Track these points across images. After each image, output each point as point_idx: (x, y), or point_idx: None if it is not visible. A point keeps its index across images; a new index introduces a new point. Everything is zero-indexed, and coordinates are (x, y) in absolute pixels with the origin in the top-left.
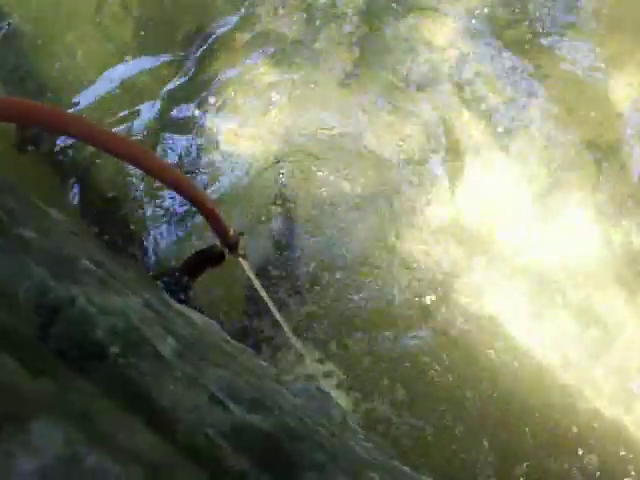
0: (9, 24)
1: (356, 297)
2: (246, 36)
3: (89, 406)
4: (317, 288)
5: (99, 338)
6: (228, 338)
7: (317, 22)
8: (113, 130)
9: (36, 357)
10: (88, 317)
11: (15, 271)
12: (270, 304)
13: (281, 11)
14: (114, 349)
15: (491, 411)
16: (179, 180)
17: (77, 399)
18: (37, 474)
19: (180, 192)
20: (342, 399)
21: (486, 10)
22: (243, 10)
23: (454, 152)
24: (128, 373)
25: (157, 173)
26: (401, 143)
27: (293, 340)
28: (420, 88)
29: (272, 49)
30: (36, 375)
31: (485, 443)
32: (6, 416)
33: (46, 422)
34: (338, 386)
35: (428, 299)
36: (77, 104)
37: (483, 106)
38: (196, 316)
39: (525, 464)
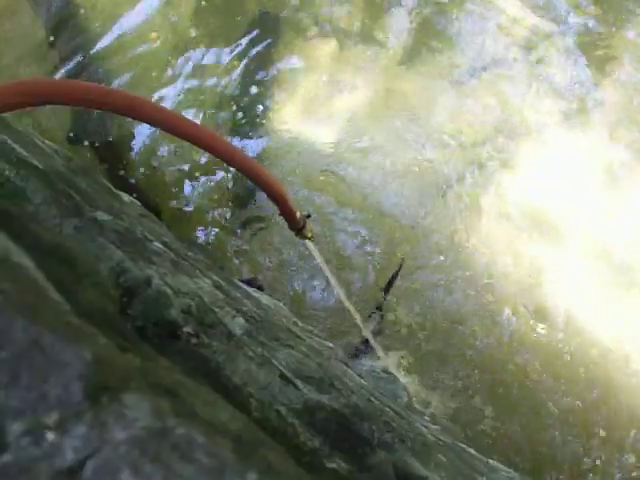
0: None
1: (429, 293)
2: (308, 20)
3: (171, 380)
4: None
5: (174, 318)
6: (296, 319)
7: (378, 7)
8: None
9: (121, 334)
10: (163, 297)
11: (96, 252)
12: (337, 287)
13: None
14: (188, 329)
15: (558, 398)
16: (247, 162)
17: (160, 373)
18: (128, 444)
19: (247, 174)
20: (408, 381)
21: None
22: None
23: (521, 133)
24: (202, 352)
25: (225, 156)
26: (467, 125)
27: (359, 321)
28: (486, 68)
29: (333, 32)
30: (123, 350)
31: (557, 435)
32: (101, 387)
33: (136, 394)
34: (404, 369)
35: (500, 290)
36: (144, 91)
37: (551, 86)
38: (264, 298)
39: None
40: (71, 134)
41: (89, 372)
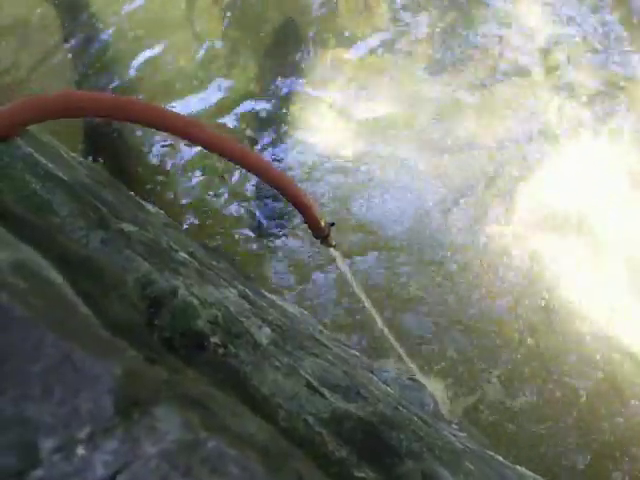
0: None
1: (450, 295)
2: (332, 29)
3: (200, 392)
4: (410, 281)
5: (201, 328)
6: (321, 328)
7: (402, 14)
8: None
9: (149, 346)
10: (190, 308)
11: (122, 264)
12: (361, 294)
13: (366, 5)
14: (215, 339)
15: (582, 404)
16: (271, 172)
17: (189, 386)
18: (159, 458)
19: (272, 183)
20: (434, 388)
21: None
22: (333, 4)
23: (545, 139)
24: (229, 362)
25: (250, 165)
26: (491, 130)
27: (385, 330)
28: (509, 74)
29: (357, 42)
30: (151, 363)
31: (577, 439)
32: (131, 401)
33: (166, 407)
34: (430, 375)
35: (524, 290)
36: (172, 105)
37: (573, 93)
38: (289, 307)
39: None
40: (82, 147)
41: (119, 386)
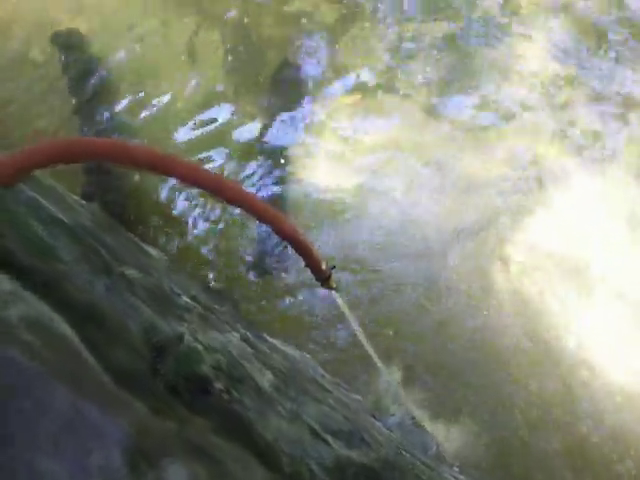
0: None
1: (451, 327)
2: (332, 70)
3: (206, 442)
4: (408, 317)
5: (205, 373)
6: (323, 372)
7: (402, 54)
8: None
9: (155, 395)
10: (194, 353)
11: (126, 311)
12: (362, 336)
13: (364, 46)
14: (219, 384)
15: (579, 437)
16: (269, 213)
17: (194, 435)
18: None
19: (271, 225)
20: (435, 429)
21: (574, 36)
22: (332, 46)
23: (544, 180)
24: (233, 407)
25: (249, 207)
26: (492, 171)
27: (385, 373)
28: (507, 116)
29: (357, 83)
30: (157, 413)
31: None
32: (140, 455)
33: (174, 460)
34: (430, 416)
35: (521, 328)
36: (171, 141)
37: (574, 133)
38: (291, 350)
39: None
40: (84, 190)
41: (128, 440)
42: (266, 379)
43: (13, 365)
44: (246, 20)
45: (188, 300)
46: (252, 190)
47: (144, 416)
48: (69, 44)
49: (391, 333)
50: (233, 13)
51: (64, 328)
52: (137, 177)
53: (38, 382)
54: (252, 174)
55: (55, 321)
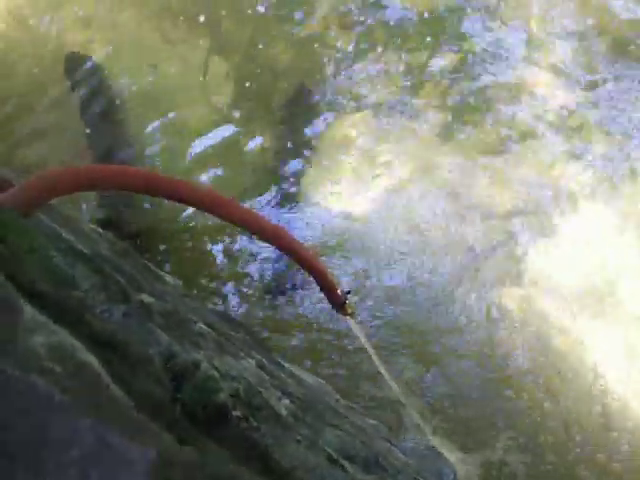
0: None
1: (467, 358)
2: (344, 96)
3: (227, 472)
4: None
5: (223, 401)
6: (338, 397)
7: (414, 79)
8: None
9: (177, 424)
10: (212, 381)
11: (145, 338)
12: (378, 362)
13: (377, 71)
14: (237, 412)
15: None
16: (285, 239)
17: (215, 464)
18: None
19: (286, 251)
20: (451, 454)
21: (585, 59)
22: (344, 71)
23: (558, 205)
24: (251, 435)
25: (264, 233)
26: (503, 196)
27: (401, 398)
28: (521, 140)
29: (369, 106)
30: (182, 442)
31: None
32: None
33: None
34: (446, 441)
35: (540, 355)
36: (180, 168)
37: (585, 157)
38: (306, 376)
39: None
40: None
41: (154, 471)
42: (283, 406)
43: (36, 393)
44: (258, 45)
45: (203, 326)
46: (264, 215)
47: (170, 445)
48: (82, 66)
49: (407, 358)
50: (245, 38)
51: (87, 356)
52: (151, 203)
53: (62, 411)
54: (264, 198)
55: (78, 349)
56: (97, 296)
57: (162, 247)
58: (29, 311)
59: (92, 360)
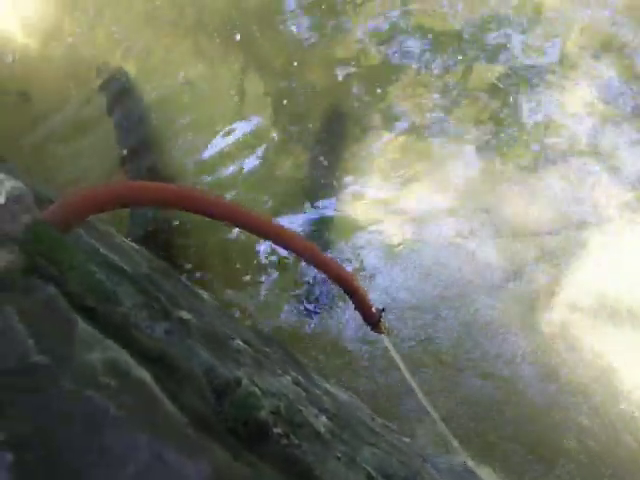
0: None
1: (503, 382)
2: (380, 115)
3: None
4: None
5: (264, 418)
6: (373, 415)
7: (449, 99)
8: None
9: (225, 440)
10: (253, 398)
11: (187, 354)
12: (411, 380)
13: (412, 90)
14: (278, 429)
15: None
16: (321, 258)
17: None
18: None
19: (322, 269)
20: (486, 475)
21: (621, 79)
22: (379, 91)
23: (593, 223)
24: (292, 452)
25: (298, 249)
26: (539, 215)
27: (435, 417)
28: (556, 158)
29: (403, 125)
30: (235, 458)
31: None
32: None
33: None
34: (481, 462)
35: (581, 376)
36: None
37: (621, 177)
38: (340, 392)
39: None
40: (130, 230)
41: None
42: (321, 423)
43: (92, 408)
44: (293, 63)
45: (241, 343)
46: (298, 232)
47: (224, 461)
48: (116, 83)
49: (439, 377)
50: (281, 57)
51: (141, 372)
52: (185, 218)
53: (118, 426)
54: (299, 215)
55: (132, 365)
56: (139, 313)
57: (196, 263)
58: (83, 325)
59: (146, 376)
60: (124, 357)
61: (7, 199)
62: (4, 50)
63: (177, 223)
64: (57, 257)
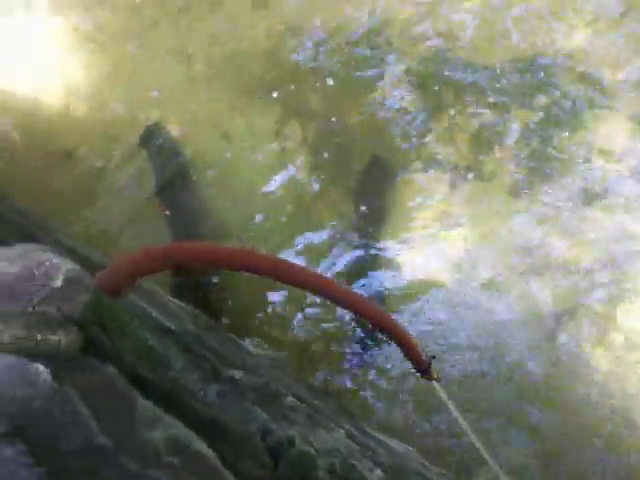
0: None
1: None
2: (418, 159)
3: None
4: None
5: (321, 478)
6: (426, 463)
7: (485, 141)
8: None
9: None
10: (308, 458)
11: (241, 416)
12: (465, 427)
13: (449, 132)
14: None
15: None
16: (369, 308)
17: None
18: None
19: (371, 319)
20: None
21: None
22: (414, 139)
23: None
24: None
25: (345, 300)
26: (585, 252)
27: (490, 462)
28: (597, 195)
29: (443, 168)
30: None
31: None
32: None
33: None
34: None
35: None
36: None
37: None
38: (394, 442)
39: None
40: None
41: None
42: (376, 476)
43: None
44: (331, 114)
45: (293, 399)
46: (342, 282)
47: None
48: (157, 140)
49: (490, 421)
50: (317, 107)
51: (201, 445)
52: (228, 274)
53: None
54: (340, 263)
55: (193, 439)
56: (191, 375)
57: (243, 317)
58: (142, 401)
59: (205, 449)
60: (185, 432)
61: (64, 282)
62: (50, 112)
63: (228, 275)
64: (110, 324)
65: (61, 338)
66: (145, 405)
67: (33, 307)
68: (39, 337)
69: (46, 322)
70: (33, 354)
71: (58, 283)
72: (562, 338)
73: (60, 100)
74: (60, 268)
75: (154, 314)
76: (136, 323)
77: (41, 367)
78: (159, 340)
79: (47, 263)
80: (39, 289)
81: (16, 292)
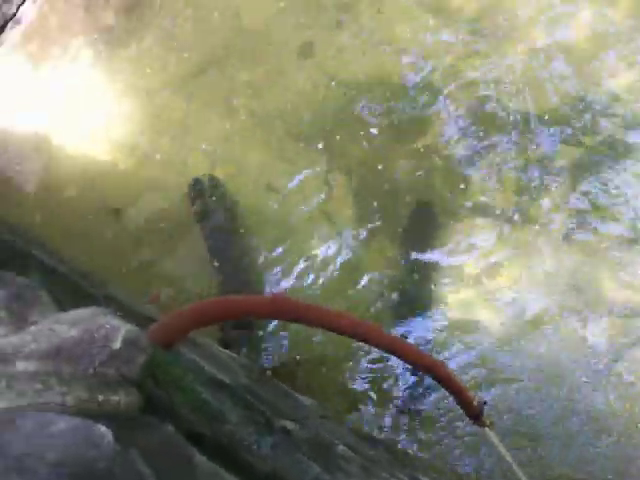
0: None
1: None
2: (463, 206)
3: None
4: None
5: None
6: None
7: (532, 184)
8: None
9: None
10: None
11: (295, 469)
12: (520, 473)
13: (493, 183)
14: None
15: None
16: (420, 357)
17: None
18: None
19: (422, 367)
20: None
21: None
22: (461, 181)
23: None
24: None
25: (397, 349)
26: (635, 294)
27: None
28: None
29: (490, 215)
30: None
31: None
32: None
33: None
34: None
35: None
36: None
37: None
38: None
39: None
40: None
41: None
42: None
43: None
44: (377, 164)
45: (345, 449)
46: (392, 333)
47: None
48: (205, 193)
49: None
50: (365, 159)
51: None
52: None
53: None
54: (388, 310)
55: None
56: (246, 429)
57: (293, 367)
58: (200, 458)
59: None
60: None
61: (123, 343)
62: (101, 170)
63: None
64: (164, 378)
65: (121, 398)
66: (203, 462)
67: (94, 369)
68: (101, 398)
69: (106, 383)
70: (95, 415)
71: (117, 345)
72: (608, 380)
73: (108, 159)
74: (119, 330)
75: (206, 367)
76: (190, 377)
77: (103, 428)
78: (213, 394)
79: (107, 325)
80: (99, 351)
81: (77, 355)
